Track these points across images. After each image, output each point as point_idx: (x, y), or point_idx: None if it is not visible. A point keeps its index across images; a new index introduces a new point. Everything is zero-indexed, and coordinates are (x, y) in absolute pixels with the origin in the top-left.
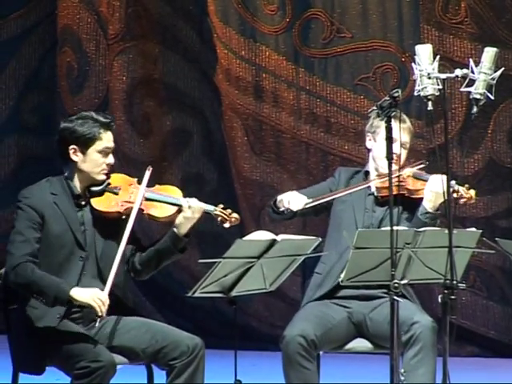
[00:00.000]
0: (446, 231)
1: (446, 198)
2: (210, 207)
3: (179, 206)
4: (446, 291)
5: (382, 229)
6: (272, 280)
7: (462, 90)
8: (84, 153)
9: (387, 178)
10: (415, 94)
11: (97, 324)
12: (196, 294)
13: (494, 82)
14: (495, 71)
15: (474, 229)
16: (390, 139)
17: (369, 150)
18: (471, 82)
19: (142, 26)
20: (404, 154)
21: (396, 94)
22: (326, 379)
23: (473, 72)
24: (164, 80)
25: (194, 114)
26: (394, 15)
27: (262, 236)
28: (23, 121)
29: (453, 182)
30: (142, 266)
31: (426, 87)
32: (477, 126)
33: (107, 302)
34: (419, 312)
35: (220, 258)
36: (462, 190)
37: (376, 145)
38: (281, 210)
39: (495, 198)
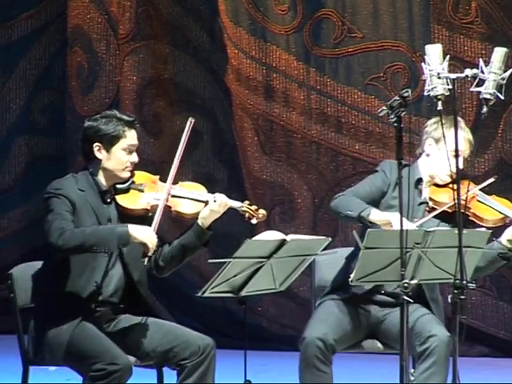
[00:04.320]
0: (456, 231)
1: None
2: (236, 203)
3: (206, 202)
4: (455, 291)
5: (392, 228)
6: (282, 280)
7: (471, 89)
8: (108, 150)
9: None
10: (425, 93)
11: (145, 263)
12: (206, 294)
13: (504, 81)
14: (505, 71)
15: (483, 229)
16: (399, 140)
17: (425, 154)
18: (481, 82)
19: (153, 26)
20: (463, 165)
21: (406, 94)
22: (337, 378)
23: (483, 72)
24: (174, 80)
25: (204, 114)
26: (405, 15)
27: (272, 236)
28: (34, 121)
29: None
30: (165, 262)
31: (435, 87)
32: (487, 125)
33: (156, 240)
34: (437, 325)
35: (230, 258)
36: None
37: (439, 155)
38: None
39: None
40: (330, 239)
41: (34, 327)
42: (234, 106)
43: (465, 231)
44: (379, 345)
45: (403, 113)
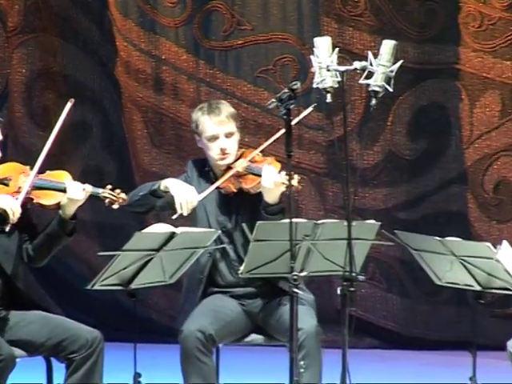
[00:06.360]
0: (345, 223)
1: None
2: (96, 189)
3: (64, 190)
4: (345, 283)
5: (282, 221)
6: (172, 272)
7: (360, 82)
8: None
9: (227, 176)
10: (314, 86)
11: (7, 229)
12: (95, 287)
13: (393, 74)
14: (394, 63)
15: (373, 221)
16: (289, 132)
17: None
18: (370, 75)
19: (42, 19)
20: (234, 142)
21: (295, 87)
22: (227, 371)
23: (371, 64)
24: (63, 72)
25: (93, 107)
26: (294, 7)
27: (162, 229)
28: None
29: (282, 174)
30: (35, 252)
31: (324, 79)
32: (376, 118)
33: (19, 210)
34: (305, 316)
35: (119, 251)
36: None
37: (205, 146)
38: (173, 216)
39: (394, 190)
40: (219, 232)
41: None
42: (123, 99)
43: (354, 223)
44: (261, 337)
45: (292, 105)
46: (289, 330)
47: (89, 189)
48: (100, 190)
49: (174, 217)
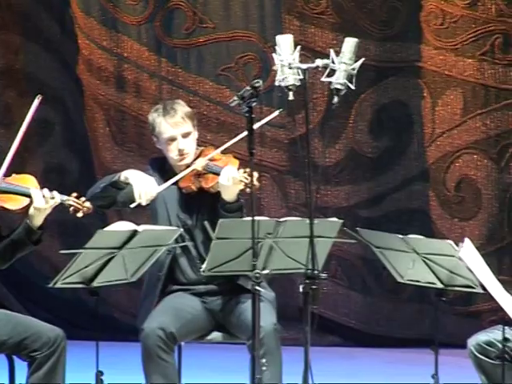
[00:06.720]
0: (307, 221)
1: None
2: (61, 197)
3: (30, 196)
4: (307, 281)
5: (244, 219)
6: (133, 270)
7: (322, 80)
8: None
9: (184, 172)
10: (276, 84)
11: None
12: (57, 285)
13: (355, 72)
14: (356, 61)
15: (335, 218)
16: (251, 130)
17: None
18: (332, 72)
19: (3, 17)
20: (192, 141)
21: (257, 84)
22: (189, 370)
23: (333, 62)
24: (25, 70)
25: (55, 105)
26: (256, 5)
27: (123, 227)
28: None
29: (240, 172)
30: None
31: (286, 77)
32: (338, 115)
33: None
34: (263, 314)
35: (81, 249)
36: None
37: (163, 147)
38: (132, 205)
39: (356, 187)
40: (181, 230)
41: None
42: (85, 97)
43: (316, 221)
44: (221, 334)
45: (254, 103)
46: (248, 328)
47: (57, 198)
48: (65, 198)
49: (132, 206)
